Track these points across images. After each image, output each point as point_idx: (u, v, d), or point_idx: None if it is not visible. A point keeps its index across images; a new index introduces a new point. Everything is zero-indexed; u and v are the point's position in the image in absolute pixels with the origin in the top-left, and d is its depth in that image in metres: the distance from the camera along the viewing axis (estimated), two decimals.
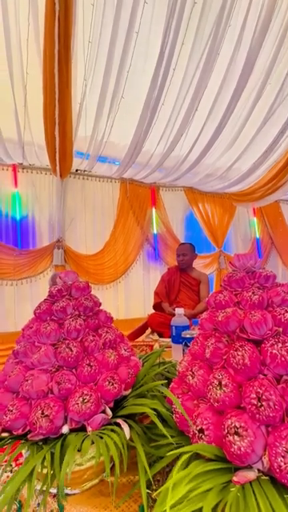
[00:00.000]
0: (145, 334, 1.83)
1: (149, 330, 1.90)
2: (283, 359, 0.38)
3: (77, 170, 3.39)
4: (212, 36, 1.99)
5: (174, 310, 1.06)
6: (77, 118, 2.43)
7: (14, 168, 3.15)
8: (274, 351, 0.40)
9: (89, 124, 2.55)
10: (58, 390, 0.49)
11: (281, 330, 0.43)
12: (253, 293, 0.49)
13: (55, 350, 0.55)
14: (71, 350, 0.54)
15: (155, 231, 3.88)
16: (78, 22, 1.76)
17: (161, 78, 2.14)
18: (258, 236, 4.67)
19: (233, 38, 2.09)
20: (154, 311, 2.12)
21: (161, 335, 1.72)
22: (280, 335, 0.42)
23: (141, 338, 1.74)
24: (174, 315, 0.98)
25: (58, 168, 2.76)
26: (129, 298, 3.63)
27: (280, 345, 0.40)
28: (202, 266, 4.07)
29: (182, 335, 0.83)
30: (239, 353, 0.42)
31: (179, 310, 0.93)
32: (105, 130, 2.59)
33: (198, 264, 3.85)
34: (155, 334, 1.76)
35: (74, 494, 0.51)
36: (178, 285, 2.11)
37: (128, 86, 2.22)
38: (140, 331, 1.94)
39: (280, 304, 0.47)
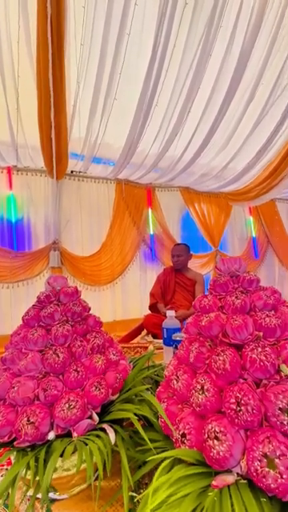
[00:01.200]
0: (140, 336, 1.84)
1: (144, 332, 1.91)
2: (262, 364, 0.39)
3: (72, 172, 3.38)
4: (204, 37, 1.99)
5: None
6: (71, 120, 2.43)
7: (9, 170, 3.14)
8: (254, 356, 0.40)
9: (83, 125, 2.55)
10: (44, 397, 0.50)
11: (261, 334, 0.43)
12: (236, 297, 0.49)
13: (42, 356, 0.55)
14: (58, 356, 0.54)
15: (151, 231, 3.88)
16: (69, 25, 1.75)
17: (153, 80, 2.15)
18: (254, 235, 4.69)
19: (225, 38, 2.10)
20: (149, 312, 2.13)
21: (155, 336, 1.73)
22: (260, 340, 0.43)
23: (136, 340, 1.75)
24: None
25: (54, 170, 2.76)
26: (126, 298, 3.63)
27: (259, 349, 0.41)
28: (199, 265, 4.09)
29: (173, 337, 0.84)
30: (220, 357, 0.42)
31: (170, 312, 0.94)
32: (98, 130, 2.59)
33: (194, 264, 3.86)
34: (150, 336, 1.77)
35: (63, 499, 0.52)
36: (174, 285, 2.12)
37: (121, 87, 2.22)
38: (136, 332, 1.95)
39: (262, 308, 0.48)
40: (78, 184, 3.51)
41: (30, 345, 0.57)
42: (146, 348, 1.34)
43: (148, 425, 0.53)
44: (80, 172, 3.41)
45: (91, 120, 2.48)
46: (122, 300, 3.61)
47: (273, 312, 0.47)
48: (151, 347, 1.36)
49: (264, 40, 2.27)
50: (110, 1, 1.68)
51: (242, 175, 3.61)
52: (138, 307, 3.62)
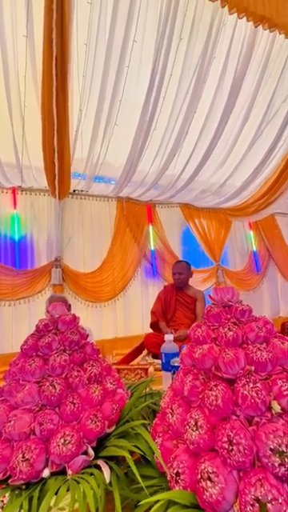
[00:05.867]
0: (141, 356, 1.82)
1: (145, 351, 1.89)
2: (253, 401, 0.39)
3: (74, 191, 3.48)
4: (198, 67, 2.12)
5: (170, 332, 1.06)
6: (73, 144, 2.54)
7: (14, 190, 3.24)
8: (245, 392, 0.41)
9: (85, 147, 2.66)
10: (40, 431, 0.50)
11: (252, 368, 0.44)
12: (228, 329, 0.50)
13: (39, 388, 0.56)
14: (55, 388, 0.54)
15: (152, 247, 3.92)
16: (72, 59, 1.89)
17: (151, 106, 2.26)
18: (254, 249, 4.71)
19: (218, 67, 2.23)
20: (151, 330, 2.11)
21: (156, 356, 1.71)
22: (252, 374, 0.43)
23: (136, 361, 1.73)
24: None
25: (56, 191, 2.85)
26: (127, 315, 3.60)
27: (251, 385, 0.41)
28: (201, 280, 4.08)
29: (171, 363, 0.84)
30: (213, 393, 0.43)
31: (168, 336, 0.94)
32: (99, 152, 2.70)
33: (196, 279, 3.85)
34: (150, 356, 1.75)
35: None
36: (174, 303, 2.11)
37: (121, 113, 2.33)
38: (136, 352, 1.92)
39: (254, 340, 0.49)
40: (80, 202, 3.59)
41: (27, 376, 0.57)
42: (147, 370, 1.32)
43: (145, 460, 0.52)
44: (82, 191, 3.50)
45: (93, 143, 2.59)
46: (123, 316, 3.58)
47: (264, 345, 0.48)
48: (151, 369, 1.34)
49: (255, 67, 2.41)
50: (110, 39, 1.83)
51: (240, 191, 3.69)
52: (139, 324, 3.58)
